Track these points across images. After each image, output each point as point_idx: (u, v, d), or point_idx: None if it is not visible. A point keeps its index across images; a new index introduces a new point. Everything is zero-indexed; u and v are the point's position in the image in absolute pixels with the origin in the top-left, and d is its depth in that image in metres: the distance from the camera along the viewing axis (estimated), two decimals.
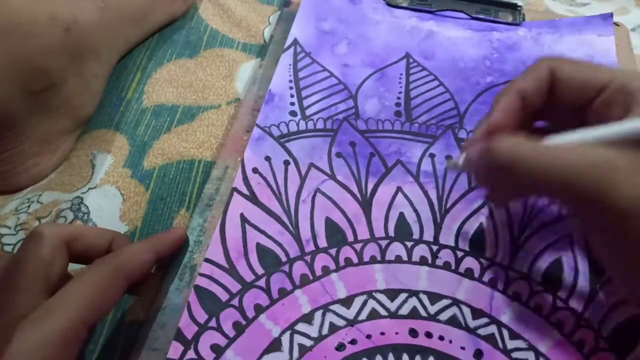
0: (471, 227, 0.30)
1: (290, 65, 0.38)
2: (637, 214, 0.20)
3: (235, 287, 0.28)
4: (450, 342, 0.26)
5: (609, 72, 0.25)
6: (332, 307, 0.27)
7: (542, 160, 0.22)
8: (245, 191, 0.32)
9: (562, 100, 0.26)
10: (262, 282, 0.28)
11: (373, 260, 0.29)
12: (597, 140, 0.22)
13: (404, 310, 0.27)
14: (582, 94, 0.25)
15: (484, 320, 0.27)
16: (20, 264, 0.23)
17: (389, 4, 0.43)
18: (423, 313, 0.27)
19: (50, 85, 0.32)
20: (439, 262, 0.29)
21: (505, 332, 0.27)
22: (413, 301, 0.28)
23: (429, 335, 0.27)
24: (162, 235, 0.28)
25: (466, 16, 0.42)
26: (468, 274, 0.29)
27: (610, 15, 0.41)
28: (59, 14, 0.31)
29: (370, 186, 0.32)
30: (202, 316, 0.27)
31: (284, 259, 0.29)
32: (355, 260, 0.29)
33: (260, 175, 0.32)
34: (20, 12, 0.29)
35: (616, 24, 0.41)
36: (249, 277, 0.28)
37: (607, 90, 0.24)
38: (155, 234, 0.30)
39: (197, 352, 0.26)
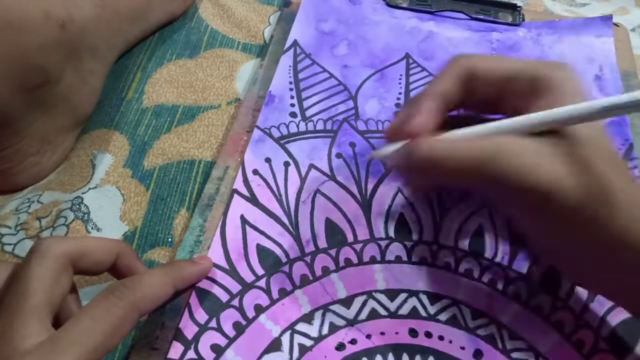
0: (471, 227, 0.31)
1: (290, 66, 0.38)
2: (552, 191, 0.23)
3: (235, 287, 0.28)
4: (450, 342, 0.27)
5: (521, 64, 0.27)
6: (332, 307, 0.28)
7: (455, 155, 0.24)
8: (245, 192, 0.32)
9: (478, 94, 0.27)
10: (262, 283, 0.28)
11: (373, 260, 0.29)
12: (500, 131, 0.25)
13: (404, 310, 0.28)
14: (496, 87, 0.27)
15: (484, 320, 0.27)
16: (23, 286, 0.22)
17: (388, 5, 0.43)
18: (423, 313, 0.27)
19: (47, 81, 0.32)
20: (438, 262, 0.29)
21: (504, 333, 0.27)
22: (413, 301, 0.28)
23: (428, 335, 0.27)
24: (185, 266, 0.27)
25: (466, 17, 0.42)
26: (468, 274, 0.29)
27: (610, 17, 0.41)
28: (54, 10, 0.31)
29: (370, 187, 0.32)
30: (202, 316, 0.27)
31: (284, 259, 0.29)
32: (355, 260, 0.29)
33: (261, 176, 0.32)
34: (13, 9, 0.29)
35: (616, 25, 0.41)
36: (249, 277, 0.28)
37: (518, 81, 0.26)
38: (177, 262, 0.28)
39: (197, 352, 0.26)
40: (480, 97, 0.27)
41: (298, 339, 0.26)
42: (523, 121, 0.25)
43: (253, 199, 0.31)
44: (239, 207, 0.31)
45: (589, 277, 0.25)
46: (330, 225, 0.31)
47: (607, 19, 0.41)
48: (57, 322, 0.22)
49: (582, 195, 0.23)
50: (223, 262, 0.29)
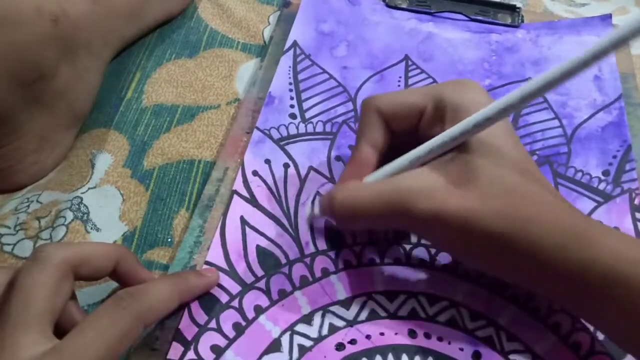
0: None
1: (290, 67, 0.38)
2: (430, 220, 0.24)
3: (235, 288, 0.28)
4: (449, 343, 0.27)
5: (426, 92, 0.27)
6: (332, 308, 0.28)
7: (365, 205, 0.26)
8: (245, 194, 0.32)
9: (397, 132, 0.28)
10: (261, 284, 0.28)
11: (372, 262, 0.29)
12: (405, 167, 0.26)
13: (403, 311, 0.28)
14: (408, 121, 0.28)
15: (482, 322, 0.27)
16: (24, 295, 0.21)
17: (388, 5, 0.43)
18: (422, 314, 0.28)
19: (42, 77, 0.31)
20: (437, 264, 0.29)
21: (502, 334, 0.27)
22: (412, 302, 0.28)
23: (427, 336, 0.27)
24: (191, 278, 0.27)
25: (465, 18, 0.42)
26: (466, 276, 0.29)
27: (609, 16, 0.41)
28: (46, 5, 0.31)
29: None
30: (202, 317, 0.27)
31: (283, 260, 0.29)
32: (354, 262, 0.29)
33: (260, 177, 0.33)
34: (4, 4, 0.29)
35: (615, 26, 0.41)
36: (248, 278, 0.29)
37: (426, 111, 0.27)
38: (184, 273, 0.28)
39: (197, 352, 0.26)
40: (402, 134, 0.28)
41: (298, 339, 0.27)
42: (430, 146, 0.25)
43: (253, 200, 0.32)
44: (239, 208, 0.31)
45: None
46: (329, 227, 0.31)
47: (606, 17, 0.41)
48: (57, 328, 0.22)
49: (500, 217, 0.22)
50: (223, 263, 0.29)
